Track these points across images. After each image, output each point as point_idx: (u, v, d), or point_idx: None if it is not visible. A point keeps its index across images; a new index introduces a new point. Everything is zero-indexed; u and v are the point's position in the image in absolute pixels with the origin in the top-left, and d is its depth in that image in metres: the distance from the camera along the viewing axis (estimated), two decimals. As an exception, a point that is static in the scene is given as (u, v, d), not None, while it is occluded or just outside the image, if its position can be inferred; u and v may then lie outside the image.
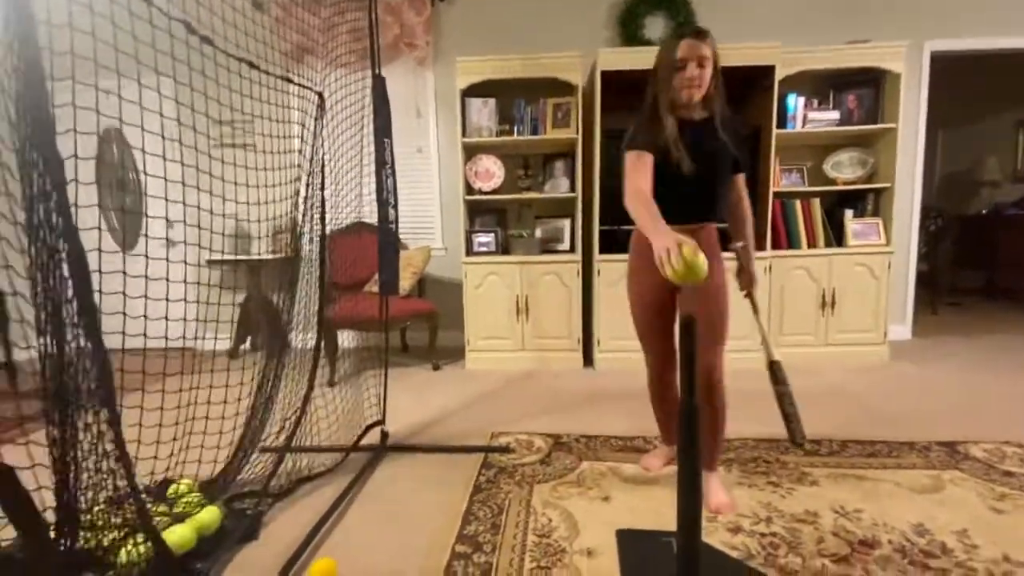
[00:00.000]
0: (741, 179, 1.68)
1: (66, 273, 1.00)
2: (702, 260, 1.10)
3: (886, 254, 3.11)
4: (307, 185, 1.96)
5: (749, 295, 1.72)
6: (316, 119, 1.97)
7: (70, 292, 1.01)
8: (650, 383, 1.81)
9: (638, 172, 1.51)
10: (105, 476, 1.15)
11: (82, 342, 1.04)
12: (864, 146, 3.33)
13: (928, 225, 4.59)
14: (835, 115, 3.19)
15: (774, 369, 1.65)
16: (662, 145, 1.52)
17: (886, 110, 3.18)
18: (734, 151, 1.59)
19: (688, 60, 1.49)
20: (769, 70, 2.96)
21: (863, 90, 3.25)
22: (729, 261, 1.66)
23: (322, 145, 1.97)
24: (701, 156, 1.54)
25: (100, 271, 1.04)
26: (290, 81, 1.83)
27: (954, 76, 5.22)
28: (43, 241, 0.99)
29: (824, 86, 3.35)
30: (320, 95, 1.98)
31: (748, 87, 3.24)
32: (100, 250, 1.04)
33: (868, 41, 3.14)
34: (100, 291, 1.09)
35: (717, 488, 1.64)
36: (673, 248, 1.18)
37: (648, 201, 1.46)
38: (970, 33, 3.47)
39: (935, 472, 1.78)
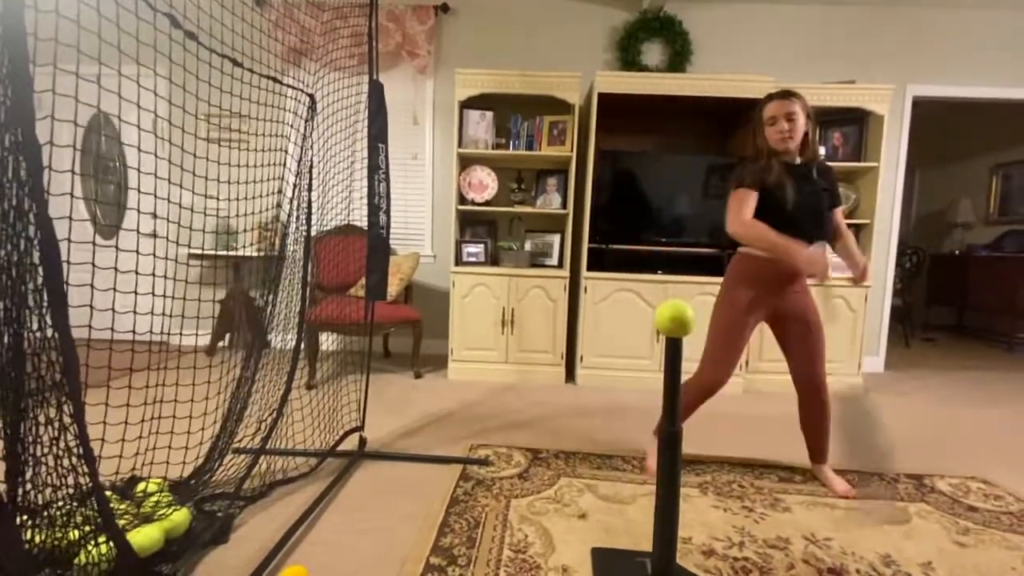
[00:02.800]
0: (839, 213, 1.93)
1: (36, 260, 0.98)
2: (691, 315, 1.08)
3: (863, 288, 3.20)
4: (294, 186, 1.95)
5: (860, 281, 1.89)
6: (307, 121, 1.97)
7: (39, 280, 0.98)
8: (705, 389, 1.91)
9: (745, 206, 1.79)
10: (66, 472, 1.11)
11: (49, 332, 1.01)
12: (847, 182, 3.44)
13: (904, 262, 4.74)
14: (820, 151, 3.29)
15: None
16: (769, 184, 1.77)
17: (869, 149, 3.30)
18: (828, 190, 1.86)
19: (778, 117, 1.76)
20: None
21: (848, 128, 3.36)
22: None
23: (311, 147, 1.97)
24: (799, 194, 1.78)
25: (70, 261, 1.01)
26: (278, 82, 1.82)
27: (934, 120, 5.45)
28: (13, 227, 0.96)
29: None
30: (311, 97, 1.98)
31: (739, 117, 3.33)
32: (98, 241, 1.02)
33: (854, 82, 3.27)
34: (92, 282, 1.07)
35: (837, 477, 1.92)
36: (807, 252, 1.67)
37: (763, 226, 1.76)
38: (951, 81, 3.63)
39: (903, 504, 1.83)
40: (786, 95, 1.77)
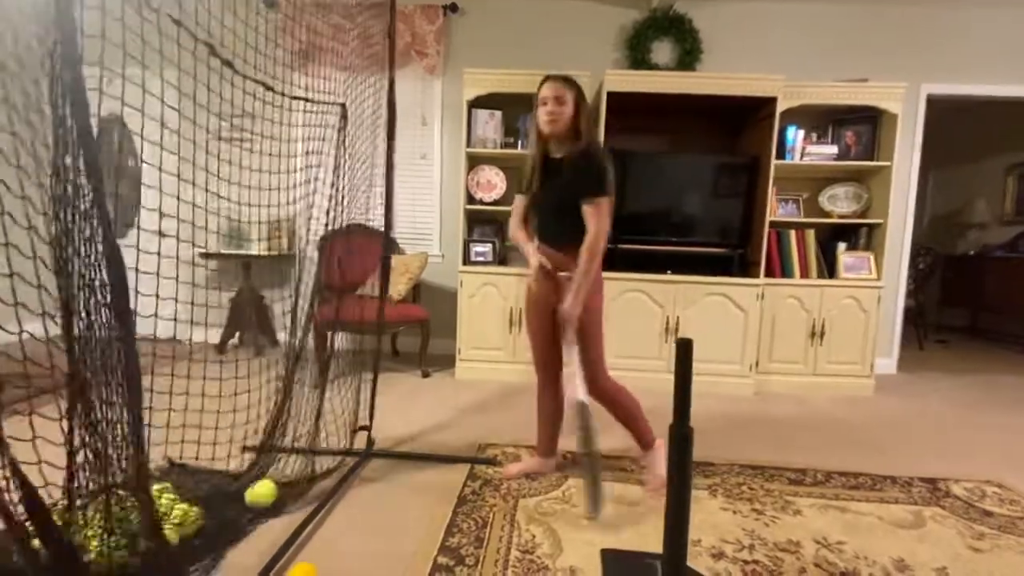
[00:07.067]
0: (586, 210, 1.69)
1: (100, 252, 1.04)
2: None
3: (876, 288, 3.16)
4: (312, 191, 1.96)
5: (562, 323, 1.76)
6: (340, 130, 1.98)
7: (103, 274, 1.04)
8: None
9: (513, 209, 1.93)
10: (115, 463, 1.15)
11: (112, 324, 1.07)
12: (859, 181, 3.40)
13: (917, 262, 4.67)
14: (833, 149, 3.26)
15: (580, 410, 1.75)
16: (528, 178, 1.84)
17: (882, 148, 3.26)
18: (575, 187, 1.70)
19: (548, 99, 1.73)
20: (771, 101, 3.02)
21: (861, 127, 3.32)
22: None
23: (344, 153, 1.99)
24: (550, 189, 1.79)
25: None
26: (309, 101, 1.84)
27: (948, 119, 5.37)
28: (74, 219, 1.01)
29: (823, 121, 3.42)
30: (343, 106, 2.00)
31: (750, 116, 3.31)
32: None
33: (867, 80, 3.22)
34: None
35: (660, 461, 1.84)
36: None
37: (516, 227, 1.91)
38: (966, 79, 3.57)
39: (917, 508, 1.80)
40: (561, 79, 1.76)
